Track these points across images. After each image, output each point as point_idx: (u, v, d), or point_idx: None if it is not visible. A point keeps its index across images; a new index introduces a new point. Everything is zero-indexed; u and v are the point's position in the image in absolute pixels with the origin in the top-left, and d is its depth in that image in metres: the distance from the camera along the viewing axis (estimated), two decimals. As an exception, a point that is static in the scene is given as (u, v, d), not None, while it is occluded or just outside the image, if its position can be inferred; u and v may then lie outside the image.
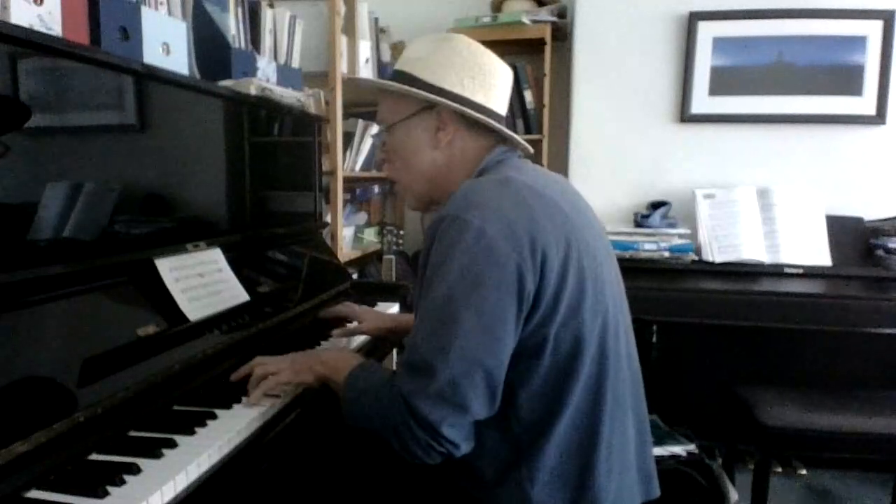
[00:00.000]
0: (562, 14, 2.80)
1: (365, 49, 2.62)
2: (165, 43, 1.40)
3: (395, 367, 1.05)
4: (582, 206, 1.12)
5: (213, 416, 1.00)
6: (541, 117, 2.79)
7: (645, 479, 1.10)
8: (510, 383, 0.98)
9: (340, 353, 1.21)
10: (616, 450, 1.03)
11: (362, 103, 2.94)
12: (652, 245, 2.39)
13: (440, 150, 1.12)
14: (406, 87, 1.10)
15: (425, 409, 0.93)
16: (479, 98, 1.11)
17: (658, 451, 1.88)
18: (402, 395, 0.95)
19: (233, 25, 1.74)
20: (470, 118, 1.10)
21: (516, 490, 0.99)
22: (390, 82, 1.14)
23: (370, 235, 2.81)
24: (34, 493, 0.76)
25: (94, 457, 0.86)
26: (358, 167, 2.71)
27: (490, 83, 1.12)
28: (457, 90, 1.09)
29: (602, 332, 1.02)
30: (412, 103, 1.12)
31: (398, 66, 1.15)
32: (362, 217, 2.92)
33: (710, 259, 2.38)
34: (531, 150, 1.21)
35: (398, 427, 0.96)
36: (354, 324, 1.53)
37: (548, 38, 2.71)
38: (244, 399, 1.07)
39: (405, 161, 1.15)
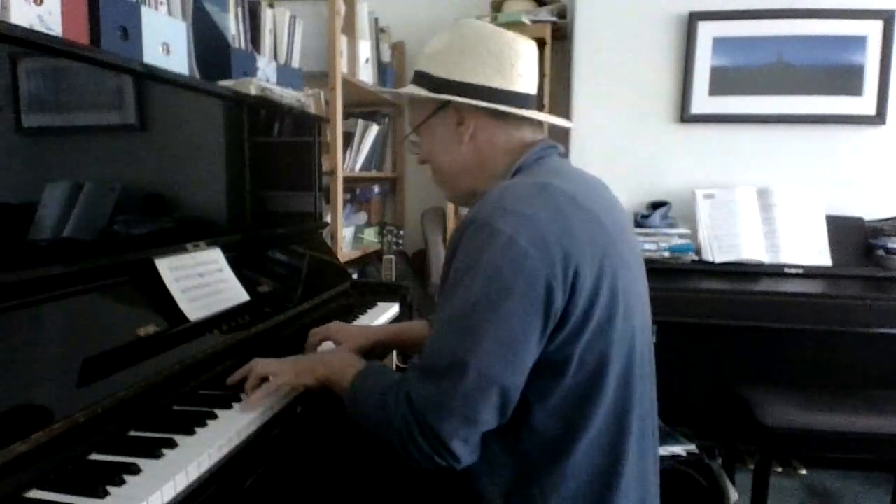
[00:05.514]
0: (562, 14, 2.80)
1: (365, 49, 2.62)
2: (165, 43, 1.40)
3: (398, 366, 1.03)
4: (618, 215, 1.06)
5: (214, 416, 1.00)
6: (541, 117, 2.78)
7: (651, 497, 1.08)
8: (526, 399, 0.94)
9: (346, 355, 1.16)
10: (637, 475, 1.00)
11: (366, 103, 2.95)
12: (652, 245, 2.39)
13: (465, 145, 1.09)
14: (414, 91, 1.09)
15: (434, 418, 0.90)
16: (496, 83, 1.05)
17: (658, 451, 1.88)
18: (410, 399, 0.92)
19: (233, 25, 1.74)
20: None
21: None
22: (401, 89, 1.12)
23: (370, 235, 2.81)
24: (34, 493, 0.76)
25: (94, 457, 0.86)
26: (358, 167, 2.71)
27: (506, 64, 1.06)
28: (469, 79, 1.05)
29: (629, 353, 0.98)
30: (428, 103, 1.10)
31: (417, 64, 1.13)
32: (362, 217, 2.92)
33: (710, 259, 2.38)
34: (569, 123, 1.15)
35: (401, 431, 0.92)
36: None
37: (548, 38, 2.70)
38: (244, 398, 1.07)
39: (437, 160, 1.13)
